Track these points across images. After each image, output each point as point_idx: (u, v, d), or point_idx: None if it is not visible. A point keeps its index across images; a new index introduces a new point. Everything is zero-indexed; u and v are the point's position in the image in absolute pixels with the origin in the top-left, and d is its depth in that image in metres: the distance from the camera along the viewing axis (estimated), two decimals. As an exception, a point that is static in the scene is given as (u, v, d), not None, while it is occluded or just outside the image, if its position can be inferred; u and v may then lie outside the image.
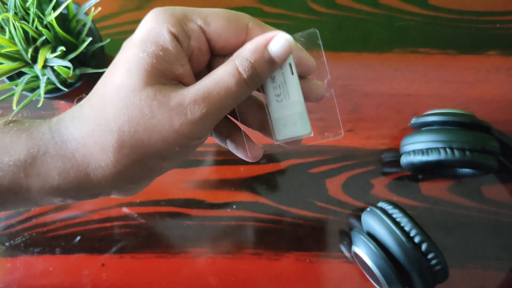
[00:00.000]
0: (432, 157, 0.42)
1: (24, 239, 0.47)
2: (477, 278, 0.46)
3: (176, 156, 0.25)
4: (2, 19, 0.38)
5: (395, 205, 0.42)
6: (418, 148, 0.43)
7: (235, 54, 0.25)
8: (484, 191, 0.49)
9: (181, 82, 0.25)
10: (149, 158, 0.24)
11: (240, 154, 0.29)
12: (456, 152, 0.41)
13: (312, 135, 0.26)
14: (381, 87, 0.51)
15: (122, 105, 0.23)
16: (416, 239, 0.38)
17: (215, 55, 0.28)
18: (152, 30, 0.24)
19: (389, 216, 0.41)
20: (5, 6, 0.38)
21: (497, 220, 0.48)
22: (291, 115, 0.26)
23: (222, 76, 0.24)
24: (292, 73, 0.26)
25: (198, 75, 0.26)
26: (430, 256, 0.38)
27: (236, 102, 0.25)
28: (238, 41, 0.25)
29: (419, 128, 0.46)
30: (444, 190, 0.49)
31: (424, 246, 0.38)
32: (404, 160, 0.45)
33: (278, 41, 0.24)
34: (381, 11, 0.54)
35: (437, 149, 0.42)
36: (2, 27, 0.39)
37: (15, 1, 0.38)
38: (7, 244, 0.47)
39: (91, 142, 0.23)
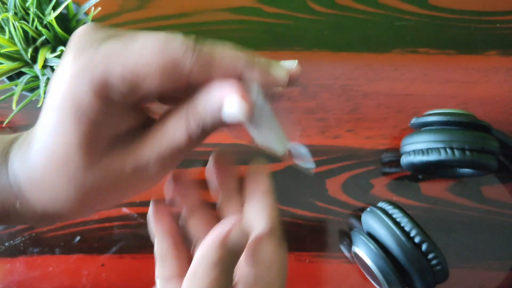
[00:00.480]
0: (432, 157, 0.42)
1: (23, 239, 0.47)
2: (477, 278, 0.46)
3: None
4: (2, 19, 0.38)
5: (395, 205, 0.42)
6: (418, 148, 0.43)
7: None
8: (484, 191, 0.49)
9: (119, 138, 0.22)
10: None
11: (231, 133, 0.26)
12: (456, 152, 0.41)
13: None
14: (381, 87, 0.51)
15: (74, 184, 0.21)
16: (416, 239, 0.38)
17: None
18: (71, 90, 0.20)
19: (389, 216, 0.40)
20: (5, 6, 0.38)
21: (497, 220, 0.48)
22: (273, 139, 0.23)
23: (174, 138, 0.21)
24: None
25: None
26: (430, 256, 0.38)
27: (182, 157, 0.23)
28: (181, 89, 0.21)
29: (419, 128, 0.46)
30: (444, 190, 0.49)
31: (424, 246, 0.38)
32: (404, 160, 0.45)
33: (233, 104, 0.20)
34: (381, 11, 0.54)
35: (437, 149, 0.42)
36: (2, 27, 0.39)
37: (15, 1, 0.38)
38: (6, 244, 0.47)
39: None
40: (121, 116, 0.21)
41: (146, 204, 0.48)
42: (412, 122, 0.46)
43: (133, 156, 0.22)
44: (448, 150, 0.42)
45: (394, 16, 0.53)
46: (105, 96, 0.20)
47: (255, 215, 0.27)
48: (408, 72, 0.52)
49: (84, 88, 0.19)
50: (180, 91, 0.21)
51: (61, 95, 0.20)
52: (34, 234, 0.47)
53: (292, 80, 0.22)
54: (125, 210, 0.48)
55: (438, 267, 0.38)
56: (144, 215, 0.48)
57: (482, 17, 0.53)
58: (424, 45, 0.52)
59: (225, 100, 0.20)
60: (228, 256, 0.22)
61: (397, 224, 0.40)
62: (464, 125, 0.43)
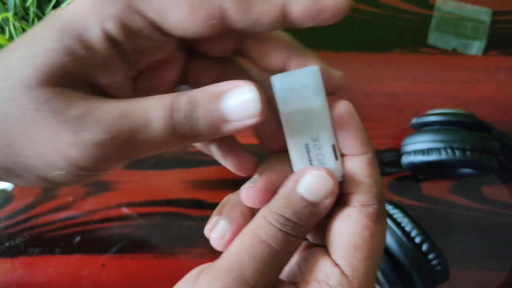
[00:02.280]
0: (432, 157, 0.42)
1: (24, 239, 0.47)
2: (477, 278, 0.46)
3: (61, 180, 0.18)
4: (2, 19, 0.38)
5: (396, 205, 0.42)
6: (418, 148, 0.43)
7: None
8: (484, 191, 0.49)
9: (107, 94, 0.18)
10: (23, 172, 0.18)
11: (228, 165, 0.23)
12: (456, 152, 0.41)
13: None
14: (382, 87, 0.51)
15: (2, 96, 0.17)
16: (417, 239, 0.38)
17: (198, 57, 0.21)
18: (81, 16, 0.18)
19: (390, 216, 0.40)
20: (5, 6, 0.38)
21: (498, 220, 0.48)
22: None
23: (151, 105, 0.17)
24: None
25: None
26: (430, 256, 0.38)
27: (157, 148, 0.18)
28: (214, 31, 0.18)
29: (420, 128, 0.46)
30: (445, 190, 0.49)
31: (424, 246, 0.38)
32: (405, 160, 0.45)
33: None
34: (381, 11, 0.53)
35: (438, 149, 0.42)
36: (2, 27, 0.39)
37: (15, 1, 0.38)
38: (6, 244, 0.47)
39: None
40: (114, 69, 0.18)
41: (146, 204, 0.48)
42: (412, 122, 0.46)
43: (89, 104, 0.17)
44: (449, 150, 0.42)
45: (395, 16, 0.53)
46: (114, 40, 0.18)
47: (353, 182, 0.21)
48: (409, 72, 0.52)
49: (94, 23, 0.17)
50: (217, 32, 0.18)
51: (69, 15, 0.18)
52: (34, 234, 0.47)
53: (336, 86, 0.20)
54: (125, 210, 0.48)
55: (439, 267, 0.38)
56: (144, 215, 0.48)
57: (482, 17, 0.53)
58: (424, 45, 0.52)
59: (230, 91, 0.17)
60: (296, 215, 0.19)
61: (397, 224, 0.40)
62: (464, 125, 0.43)
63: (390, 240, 0.39)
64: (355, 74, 0.51)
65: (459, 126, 0.43)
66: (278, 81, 0.20)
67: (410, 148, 0.44)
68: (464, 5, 0.52)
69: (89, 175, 0.18)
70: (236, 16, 0.18)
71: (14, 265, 0.47)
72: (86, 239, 0.47)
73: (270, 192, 0.20)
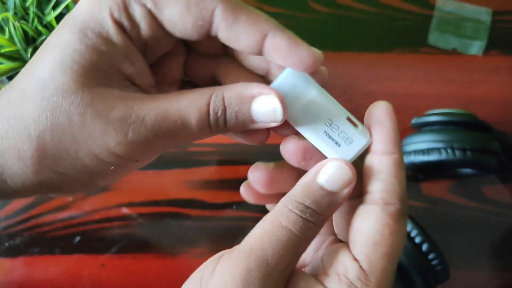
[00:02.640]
0: (433, 157, 0.42)
1: (23, 239, 0.47)
2: (477, 278, 0.46)
3: (111, 174, 0.21)
4: (2, 19, 0.38)
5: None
6: (419, 148, 0.43)
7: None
8: (484, 191, 0.49)
9: (134, 84, 0.20)
10: (77, 174, 0.20)
11: (240, 136, 0.23)
12: (457, 152, 0.41)
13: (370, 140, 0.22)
14: (382, 87, 0.51)
15: (46, 106, 0.18)
16: (417, 240, 0.38)
17: (194, 53, 0.23)
18: (93, 14, 0.19)
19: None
20: (5, 6, 0.38)
21: (498, 220, 0.48)
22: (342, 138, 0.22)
23: (188, 106, 0.19)
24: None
25: (162, 68, 0.22)
26: (431, 256, 0.38)
27: (193, 140, 0.20)
28: (200, 35, 0.20)
29: (420, 128, 0.46)
30: (445, 190, 0.49)
31: (425, 247, 0.38)
32: (405, 160, 0.45)
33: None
34: (381, 11, 0.53)
35: (438, 149, 0.42)
36: (2, 27, 0.39)
37: (14, 1, 0.38)
38: (6, 244, 0.47)
39: (4, 147, 0.19)
40: (134, 57, 0.20)
41: (146, 204, 0.48)
42: (413, 122, 0.46)
43: (128, 104, 0.19)
44: (449, 150, 0.41)
45: (395, 15, 0.53)
46: (124, 29, 0.19)
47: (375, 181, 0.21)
48: (409, 72, 0.52)
49: (106, 16, 0.19)
50: (203, 38, 0.20)
51: (81, 17, 0.19)
52: (34, 234, 0.47)
53: (317, 65, 0.21)
54: (125, 210, 0.48)
55: (439, 267, 0.38)
56: (144, 215, 0.48)
57: (483, 16, 0.53)
58: (425, 45, 0.52)
59: (259, 97, 0.20)
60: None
61: (397, 224, 0.39)
62: (465, 125, 0.43)
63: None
64: (355, 74, 0.51)
65: (460, 126, 0.43)
66: (278, 84, 0.21)
67: (410, 148, 0.44)
68: (464, 5, 0.52)
69: (137, 165, 0.21)
70: (221, 26, 0.19)
71: (14, 265, 0.47)
72: (86, 239, 0.47)
73: (278, 183, 0.22)
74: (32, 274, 0.46)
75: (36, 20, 0.38)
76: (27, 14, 0.39)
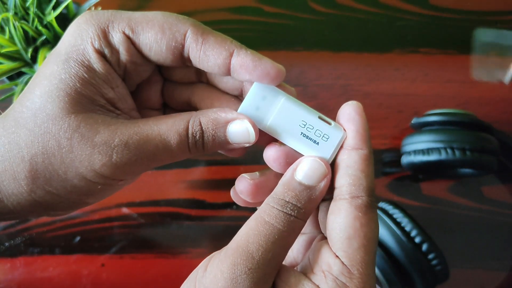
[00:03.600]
0: (432, 157, 0.42)
1: (24, 239, 0.47)
2: (477, 278, 0.46)
3: (98, 193, 0.22)
4: (2, 19, 0.38)
5: (396, 205, 0.42)
6: (418, 148, 0.43)
7: (204, 120, 0.22)
8: (484, 191, 0.49)
9: (116, 107, 0.22)
10: (68, 193, 0.21)
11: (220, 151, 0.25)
12: (456, 152, 0.41)
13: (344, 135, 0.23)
14: (382, 87, 0.51)
15: (38, 132, 0.20)
16: (417, 239, 0.38)
17: (171, 82, 0.25)
18: (75, 45, 0.21)
19: (390, 216, 0.40)
20: (5, 6, 0.38)
21: (498, 220, 0.48)
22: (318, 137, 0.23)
23: (168, 130, 0.21)
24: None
25: (143, 92, 0.24)
26: (430, 256, 0.38)
27: (173, 161, 0.22)
28: (174, 57, 0.22)
29: (420, 128, 0.46)
30: (445, 190, 0.49)
31: (424, 246, 0.38)
32: (405, 160, 0.45)
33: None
34: (381, 11, 0.53)
35: (438, 149, 0.42)
36: (2, 27, 0.39)
37: (15, 1, 0.38)
38: (7, 244, 0.47)
39: (1, 169, 0.21)
40: (114, 82, 0.22)
41: (146, 204, 0.48)
42: (412, 122, 0.46)
43: (111, 129, 0.21)
44: (449, 150, 0.42)
45: (395, 16, 0.53)
46: (104, 56, 0.21)
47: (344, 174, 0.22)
48: (409, 72, 0.52)
49: (87, 46, 0.21)
50: (176, 62, 0.22)
51: (66, 49, 0.21)
52: (34, 234, 0.47)
53: (279, 78, 0.22)
54: (125, 210, 0.48)
55: (439, 267, 0.38)
56: (144, 215, 0.48)
57: (482, 16, 0.53)
58: (424, 45, 0.52)
59: (233, 122, 0.22)
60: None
61: (397, 224, 0.40)
62: (464, 125, 0.43)
63: (390, 240, 0.39)
64: (355, 74, 0.51)
65: (459, 126, 0.43)
66: (244, 108, 0.23)
67: (410, 148, 0.44)
68: (503, 32, 0.52)
69: (123, 184, 0.23)
70: (192, 46, 0.21)
71: (14, 265, 0.47)
72: (86, 239, 0.47)
73: (264, 190, 0.23)
74: (32, 274, 0.46)
75: (36, 20, 0.38)
76: (28, 14, 0.39)
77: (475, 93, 0.51)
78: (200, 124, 0.22)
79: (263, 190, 0.23)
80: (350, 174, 0.21)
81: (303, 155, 0.23)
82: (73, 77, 0.20)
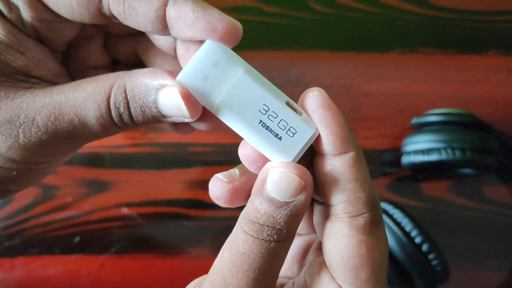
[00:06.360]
0: (432, 157, 0.42)
1: (23, 239, 0.47)
2: (477, 278, 0.46)
3: (20, 179, 0.18)
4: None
5: (396, 206, 0.42)
6: (418, 148, 0.43)
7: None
8: (484, 191, 0.48)
9: (29, 75, 0.18)
10: None
11: (169, 126, 0.20)
12: (456, 152, 0.41)
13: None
14: (382, 86, 0.51)
15: None
16: (417, 240, 0.38)
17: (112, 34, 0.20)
18: None
19: (390, 216, 0.40)
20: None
21: (498, 220, 0.48)
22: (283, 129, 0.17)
23: (85, 101, 0.16)
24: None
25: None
26: (430, 256, 0.38)
27: (99, 138, 0.18)
28: (91, 14, 0.17)
29: (420, 128, 0.46)
30: (445, 190, 0.49)
31: (424, 247, 0.38)
32: (405, 160, 0.45)
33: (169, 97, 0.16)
34: (381, 11, 0.53)
35: (438, 149, 0.42)
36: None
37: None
38: (6, 244, 0.47)
39: None
40: (22, 46, 0.17)
41: (145, 204, 0.48)
42: (412, 122, 0.46)
43: (16, 102, 0.16)
44: (449, 150, 0.41)
45: (395, 15, 0.53)
46: (2, 15, 0.16)
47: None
48: (409, 71, 0.51)
49: None
50: (97, 19, 0.17)
51: None
52: (33, 235, 0.47)
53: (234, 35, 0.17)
54: (124, 210, 0.48)
55: (439, 268, 0.38)
56: (143, 216, 0.48)
57: (482, 16, 0.53)
58: (425, 44, 0.52)
59: (162, 89, 0.16)
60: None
61: (397, 224, 0.39)
62: (464, 125, 0.43)
63: (390, 241, 0.39)
64: (355, 74, 0.51)
65: (459, 126, 0.43)
66: (185, 77, 0.16)
67: (410, 148, 0.44)
68: None
69: (46, 167, 0.18)
70: (114, 8, 0.16)
71: (14, 265, 0.46)
72: (85, 239, 0.47)
73: (246, 194, 0.19)
74: (32, 274, 0.46)
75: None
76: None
77: (475, 93, 0.51)
78: (125, 92, 0.17)
79: (244, 194, 0.19)
80: (342, 189, 0.17)
81: (260, 152, 0.18)
82: None
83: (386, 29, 0.53)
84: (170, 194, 0.48)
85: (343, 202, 0.17)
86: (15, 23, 0.17)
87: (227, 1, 0.54)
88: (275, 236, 0.16)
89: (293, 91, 0.51)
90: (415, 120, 0.46)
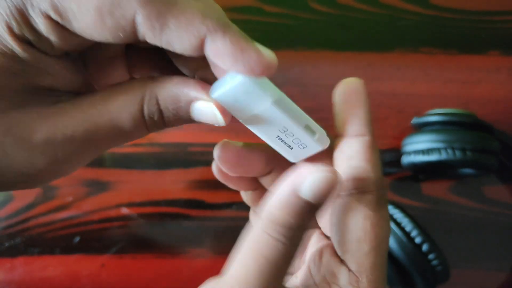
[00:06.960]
0: (433, 157, 0.42)
1: (23, 239, 0.47)
2: (478, 278, 0.46)
3: (48, 175, 0.19)
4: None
5: (396, 205, 0.42)
6: (419, 148, 0.43)
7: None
8: (485, 191, 0.48)
9: (55, 90, 0.18)
10: (15, 176, 0.18)
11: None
12: (457, 152, 0.41)
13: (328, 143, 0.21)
14: (382, 86, 0.51)
15: None
16: (417, 240, 0.38)
17: (133, 49, 0.20)
18: None
19: (390, 216, 0.40)
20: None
21: (499, 220, 0.48)
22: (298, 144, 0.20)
23: (119, 113, 0.17)
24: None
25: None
26: (431, 256, 0.38)
27: (127, 142, 0.19)
28: (127, 41, 0.17)
29: (420, 128, 0.46)
30: (445, 190, 0.49)
31: (425, 247, 0.38)
32: (405, 160, 0.45)
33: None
34: (382, 11, 0.53)
35: (438, 149, 0.42)
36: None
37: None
38: (6, 244, 0.47)
39: None
40: (49, 68, 0.17)
41: (146, 204, 0.48)
42: (413, 122, 0.46)
43: (51, 123, 0.17)
44: (449, 150, 0.41)
45: (396, 15, 0.53)
46: (27, 41, 0.16)
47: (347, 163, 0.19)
48: (410, 71, 0.51)
49: (3, 32, 0.16)
50: (130, 42, 0.17)
51: None
52: (34, 234, 0.47)
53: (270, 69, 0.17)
54: (125, 210, 0.48)
55: (439, 268, 0.38)
56: (144, 216, 0.48)
57: (483, 16, 0.53)
58: (425, 44, 0.52)
59: (197, 102, 0.18)
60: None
61: (398, 224, 0.39)
62: (465, 125, 0.43)
63: (390, 240, 0.39)
64: (355, 74, 0.51)
65: (460, 126, 0.43)
66: (219, 97, 0.18)
67: (411, 148, 0.44)
68: None
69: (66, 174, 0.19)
70: (147, 34, 0.16)
71: (14, 265, 0.46)
72: (85, 239, 0.47)
73: (246, 164, 0.21)
74: (32, 274, 0.46)
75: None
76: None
77: (476, 93, 0.51)
78: (158, 104, 0.18)
79: (245, 165, 0.21)
80: (355, 167, 0.18)
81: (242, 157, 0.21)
82: None
83: (386, 29, 0.53)
84: (170, 194, 0.48)
85: (354, 178, 0.18)
86: (46, 50, 0.17)
87: (229, 1, 0.54)
88: (303, 232, 0.17)
89: (293, 91, 0.51)
90: (415, 120, 0.46)
